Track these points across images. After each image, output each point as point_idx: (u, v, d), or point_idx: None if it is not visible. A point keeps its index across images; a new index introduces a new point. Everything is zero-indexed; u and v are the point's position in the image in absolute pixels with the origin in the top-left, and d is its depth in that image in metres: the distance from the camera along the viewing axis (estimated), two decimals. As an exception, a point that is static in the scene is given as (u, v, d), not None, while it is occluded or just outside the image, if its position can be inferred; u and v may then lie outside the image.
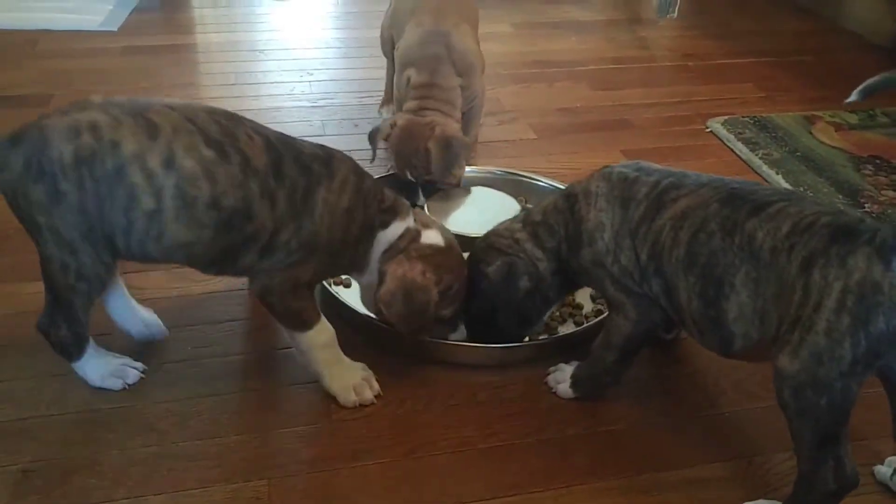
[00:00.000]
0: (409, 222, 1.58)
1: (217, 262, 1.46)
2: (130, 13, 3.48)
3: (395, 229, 1.56)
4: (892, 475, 1.40)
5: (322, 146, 1.52)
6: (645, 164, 1.53)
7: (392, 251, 1.55)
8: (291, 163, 1.45)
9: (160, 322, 1.67)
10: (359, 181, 1.52)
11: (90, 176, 1.33)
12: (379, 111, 2.71)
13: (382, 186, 1.59)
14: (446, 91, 2.18)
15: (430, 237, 1.59)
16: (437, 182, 2.08)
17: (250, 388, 1.60)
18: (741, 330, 1.31)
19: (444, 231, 1.63)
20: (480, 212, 1.92)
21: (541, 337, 1.73)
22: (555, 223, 1.57)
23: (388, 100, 2.67)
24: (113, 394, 1.55)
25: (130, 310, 1.65)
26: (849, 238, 1.18)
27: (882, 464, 1.44)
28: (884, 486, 1.42)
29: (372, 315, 1.64)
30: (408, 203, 1.62)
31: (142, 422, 1.51)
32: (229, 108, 2.64)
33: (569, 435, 1.52)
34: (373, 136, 2.13)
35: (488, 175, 2.19)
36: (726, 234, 1.30)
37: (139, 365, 1.56)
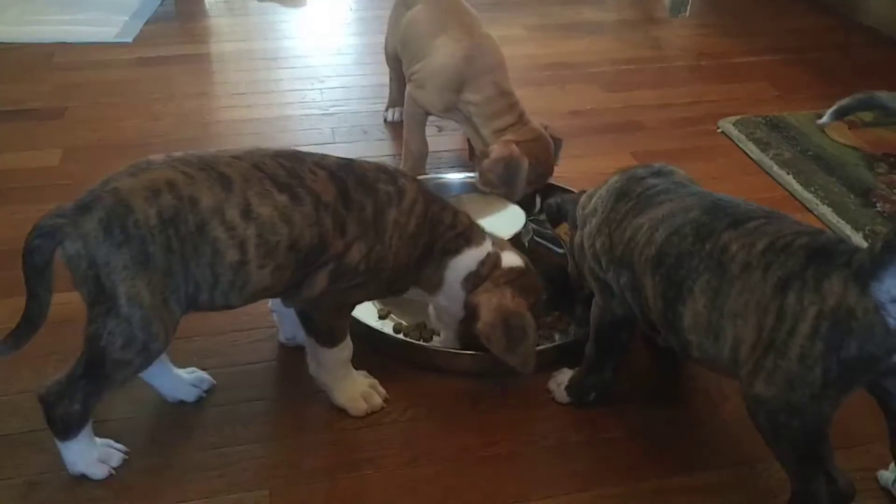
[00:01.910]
0: (487, 247, 1.58)
1: (290, 290, 1.45)
2: (146, 24, 3.51)
3: (474, 255, 1.56)
4: (895, 482, 1.39)
5: (384, 166, 1.52)
6: (668, 168, 1.53)
7: (475, 278, 1.55)
8: (356, 186, 1.45)
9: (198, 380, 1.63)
10: (426, 204, 1.52)
11: (176, 236, 1.29)
12: (384, 113, 2.74)
13: (455, 210, 1.58)
14: (514, 95, 2.18)
15: (510, 260, 1.60)
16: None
17: (254, 398, 1.61)
18: (696, 340, 1.29)
19: (516, 250, 1.65)
20: (484, 221, 1.92)
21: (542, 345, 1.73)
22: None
23: (393, 102, 2.69)
24: (119, 406, 1.56)
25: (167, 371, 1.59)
26: (825, 260, 1.16)
27: (885, 468, 1.42)
28: (886, 492, 1.41)
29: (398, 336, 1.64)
30: (482, 227, 1.62)
31: (146, 433, 1.53)
32: (239, 118, 2.72)
33: (570, 442, 1.52)
34: (516, 170, 2.02)
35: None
36: (698, 240, 1.29)
37: (121, 447, 1.47)
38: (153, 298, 1.30)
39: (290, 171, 1.40)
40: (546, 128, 2.15)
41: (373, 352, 1.70)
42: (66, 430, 1.38)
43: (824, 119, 1.23)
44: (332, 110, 2.81)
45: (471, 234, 1.57)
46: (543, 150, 2.09)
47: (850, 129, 2.63)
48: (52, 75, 3.01)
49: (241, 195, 1.34)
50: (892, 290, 1.10)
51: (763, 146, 2.53)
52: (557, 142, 2.17)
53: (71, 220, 1.27)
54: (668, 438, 1.53)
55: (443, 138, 2.61)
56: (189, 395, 1.60)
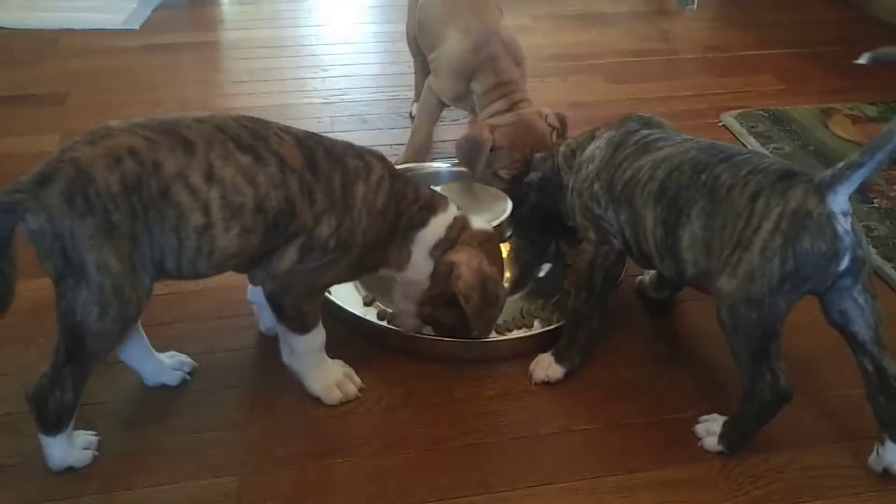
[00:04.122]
0: (453, 212, 1.60)
1: (258, 262, 1.45)
2: (155, 11, 3.52)
3: (441, 222, 1.57)
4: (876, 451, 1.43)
5: (351, 143, 1.53)
6: (657, 119, 1.69)
7: (445, 243, 1.57)
8: (324, 157, 1.45)
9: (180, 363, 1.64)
10: (392, 181, 1.52)
11: (139, 202, 1.28)
12: (411, 108, 2.66)
13: (417, 183, 1.59)
14: (517, 83, 2.16)
15: (478, 223, 1.63)
16: None
17: (231, 385, 1.62)
18: (691, 258, 1.44)
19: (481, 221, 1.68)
20: (469, 207, 1.92)
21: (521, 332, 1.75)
22: (576, 152, 1.75)
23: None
24: (95, 391, 1.54)
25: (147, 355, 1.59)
26: (793, 177, 1.34)
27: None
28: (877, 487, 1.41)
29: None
30: (445, 195, 1.63)
31: (120, 418, 1.53)
32: (239, 105, 2.72)
33: (542, 434, 1.52)
34: (478, 151, 2.00)
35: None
36: (695, 173, 1.45)
37: (91, 432, 1.46)
38: (122, 265, 1.29)
39: (253, 132, 1.39)
40: (546, 116, 2.10)
41: (352, 339, 1.70)
42: (59, 421, 1.36)
43: (861, 59, 1.34)
44: (332, 99, 2.81)
45: (434, 204, 1.58)
46: (523, 136, 2.03)
47: (853, 123, 2.59)
48: (56, 61, 3.02)
49: (204, 158, 1.33)
50: (843, 205, 1.29)
51: (764, 140, 2.50)
52: (557, 128, 2.11)
53: (31, 194, 1.25)
54: (641, 433, 1.52)
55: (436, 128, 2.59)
56: (172, 378, 1.60)
